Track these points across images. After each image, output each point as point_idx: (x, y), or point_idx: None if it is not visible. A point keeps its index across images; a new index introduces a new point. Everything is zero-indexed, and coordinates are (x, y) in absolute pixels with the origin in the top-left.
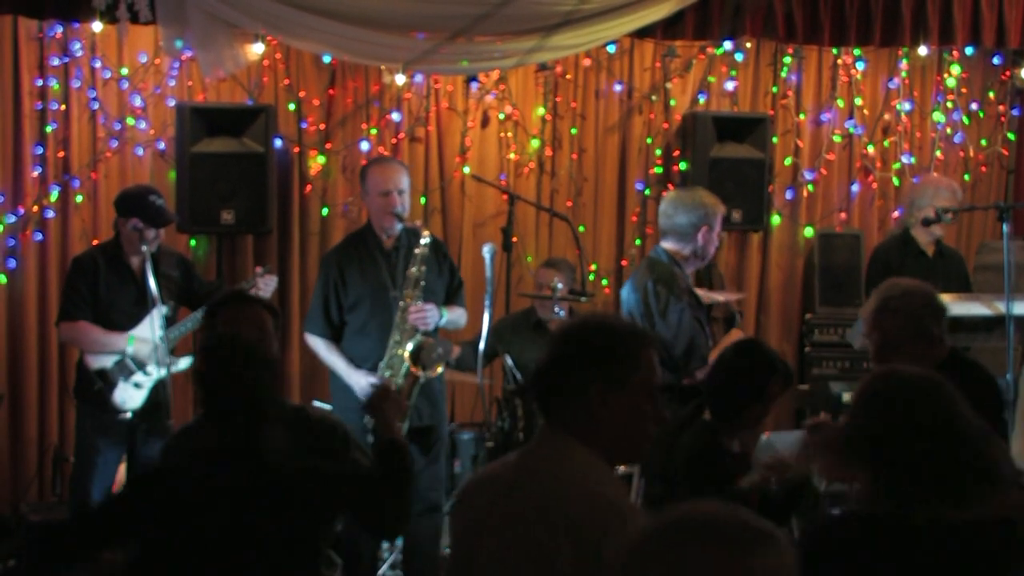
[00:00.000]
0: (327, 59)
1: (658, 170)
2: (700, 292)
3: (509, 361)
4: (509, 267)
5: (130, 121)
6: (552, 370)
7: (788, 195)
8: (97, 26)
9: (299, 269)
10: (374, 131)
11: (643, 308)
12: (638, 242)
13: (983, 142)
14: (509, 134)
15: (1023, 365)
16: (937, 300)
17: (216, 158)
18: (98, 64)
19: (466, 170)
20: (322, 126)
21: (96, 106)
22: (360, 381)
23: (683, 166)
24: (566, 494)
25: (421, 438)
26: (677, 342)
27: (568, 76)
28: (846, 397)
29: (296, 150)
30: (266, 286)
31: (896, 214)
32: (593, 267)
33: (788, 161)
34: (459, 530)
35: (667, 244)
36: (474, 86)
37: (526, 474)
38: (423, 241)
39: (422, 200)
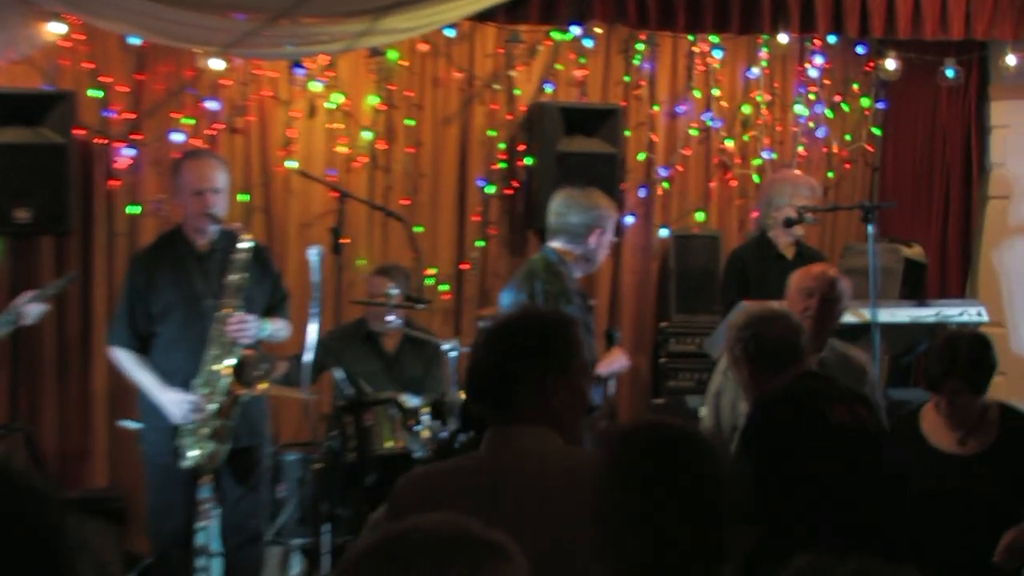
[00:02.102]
0: (135, 41)
1: (502, 165)
2: None
3: (339, 375)
4: (339, 272)
5: None
6: (508, 364)
7: (641, 193)
8: None
9: (105, 273)
10: (188, 121)
11: None
12: (480, 243)
13: (847, 137)
14: (338, 125)
15: (890, 375)
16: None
17: (9, 149)
18: None
19: (291, 164)
20: (130, 115)
21: None
22: (172, 400)
23: (528, 161)
24: (584, 471)
25: (240, 462)
26: None
27: (404, 62)
28: (703, 411)
29: (100, 141)
30: (29, 314)
31: (756, 214)
32: (431, 271)
33: (641, 156)
34: None
35: (556, 243)
36: (300, 72)
37: (520, 467)
38: (243, 245)
39: (242, 197)
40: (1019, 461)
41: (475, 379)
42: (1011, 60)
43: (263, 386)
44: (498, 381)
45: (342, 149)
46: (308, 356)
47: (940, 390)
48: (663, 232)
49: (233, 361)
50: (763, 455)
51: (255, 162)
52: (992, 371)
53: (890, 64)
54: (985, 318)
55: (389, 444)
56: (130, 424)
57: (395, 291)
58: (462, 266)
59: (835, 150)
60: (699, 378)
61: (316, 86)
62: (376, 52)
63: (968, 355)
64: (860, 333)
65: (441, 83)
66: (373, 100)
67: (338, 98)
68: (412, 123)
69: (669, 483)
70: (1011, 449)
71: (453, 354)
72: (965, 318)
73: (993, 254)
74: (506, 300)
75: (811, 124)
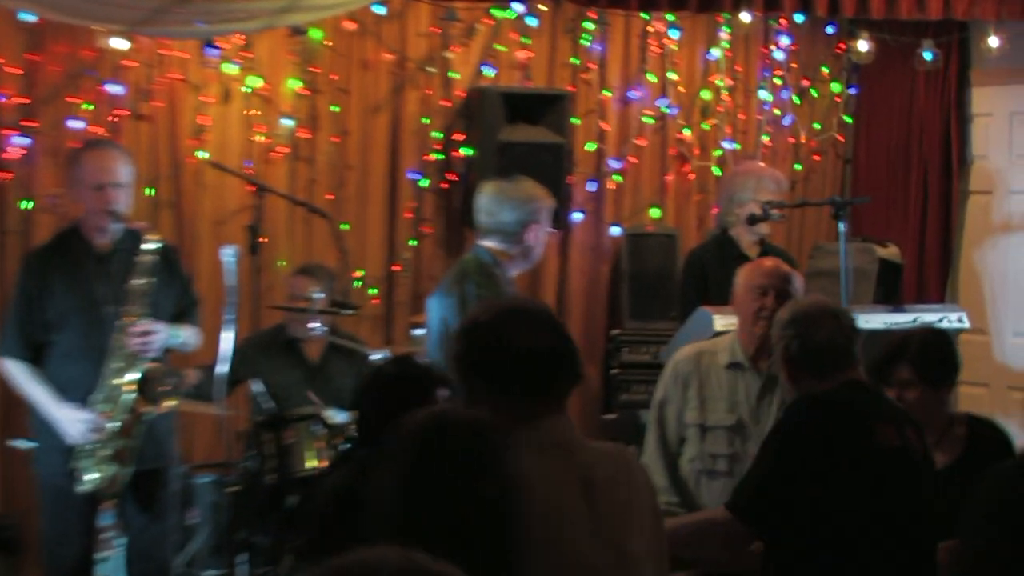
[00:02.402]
0: (28, 18)
1: (437, 156)
2: None
3: (256, 388)
4: (256, 274)
5: None
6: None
7: (591, 187)
8: None
9: None
10: (88, 107)
11: (461, 315)
12: (413, 243)
13: (816, 126)
14: (256, 112)
15: None
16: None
17: None
18: None
19: (203, 155)
20: (23, 100)
21: None
22: (68, 417)
23: (467, 151)
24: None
25: (145, 486)
26: None
27: (328, 43)
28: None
29: None
30: None
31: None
32: (359, 273)
33: (591, 146)
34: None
35: (489, 243)
36: (212, 53)
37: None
38: (149, 246)
39: (148, 192)
40: None
41: (543, 361)
42: (994, 42)
43: (171, 402)
44: (562, 364)
45: (260, 138)
46: (222, 367)
47: (888, 380)
48: (615, 230)
49: (137, 375)
50: (790, 468)
51: (163, 152)
52: (949, 367)
53: (862, 46)
54: (966, 324)
55: (312, 464)
56: (22, 444)
57: (319, 295)
58: (393, 267)
59: (803, 140)
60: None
61: (231, 68)
62: (297, 31)
63: (920, 342)
64: None
65: (370, 66)
66: (294, 84)
67: (255, 82)
68: (337, 110)
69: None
70: (978, 465)
71: None
72: (945, 324)
73: (975, 254)
74: (435, 306)
75: (777, 111)
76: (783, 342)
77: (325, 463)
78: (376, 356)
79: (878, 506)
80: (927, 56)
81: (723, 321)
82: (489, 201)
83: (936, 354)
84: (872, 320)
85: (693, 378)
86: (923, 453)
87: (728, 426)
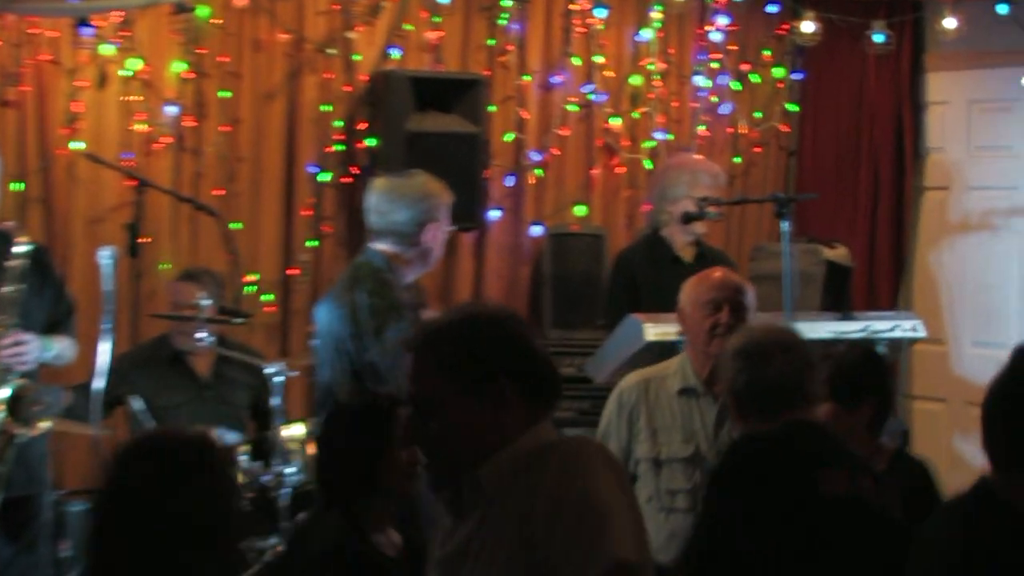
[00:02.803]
0: None
1: (338, 147)
2: None
3: (137, 405)
4: (136, 278)
5: None
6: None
7: (509, 182)
8: None
9: None
10: None
11: (352, 328)
12: (312, 243)
13: (757, 115)
14: (136, 98)
15: None
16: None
17: None
18: None
19: (76, 146)
20: None
21: None
22: None
23: (371, 142)
24: None
25: (13, 515)
26: (395, 372)
27: (216, 21)
28: None
29: None
30: None
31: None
32: (251, 278)
33: (509, 137)
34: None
35: (383, 246)
36: (87, 33)
37: None
38: (19, 249)
39: (15, 187)
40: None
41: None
42: (950, 23)
43: (44, 423)
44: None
45: (140, 127)
46: (99, 383)
47: None
48: (535, 230)
49: (7, 392)
50: (720, 519)
51: (31, 143)
52: (863, 387)
53: (807, 27)
54: (922, 333)
55: None
56: None
57: (206, 302)
58: (289, 271)
59: (743, 130)
60: (580, 407)
61: (108, 49)
62: (182, 8)
63: (837, 359)
64: None
65: (263, 47)
66: (179, 67)
67: (135, 64)
68: (227, 95)
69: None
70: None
71: (279, 379)
72: (898, 334)
73: (930, 256)
74: (324, 315)
75: (714, 99)
76: (730, 374)
77: None
78: (271, 369)
79: (816, 566)
80: (878, 38)
81: (655, 330)
82: (380, 200)
83: (850, 371)
84: (819, 329)
85: (640, 408)
86: (884, 506)
87: (684, 458)
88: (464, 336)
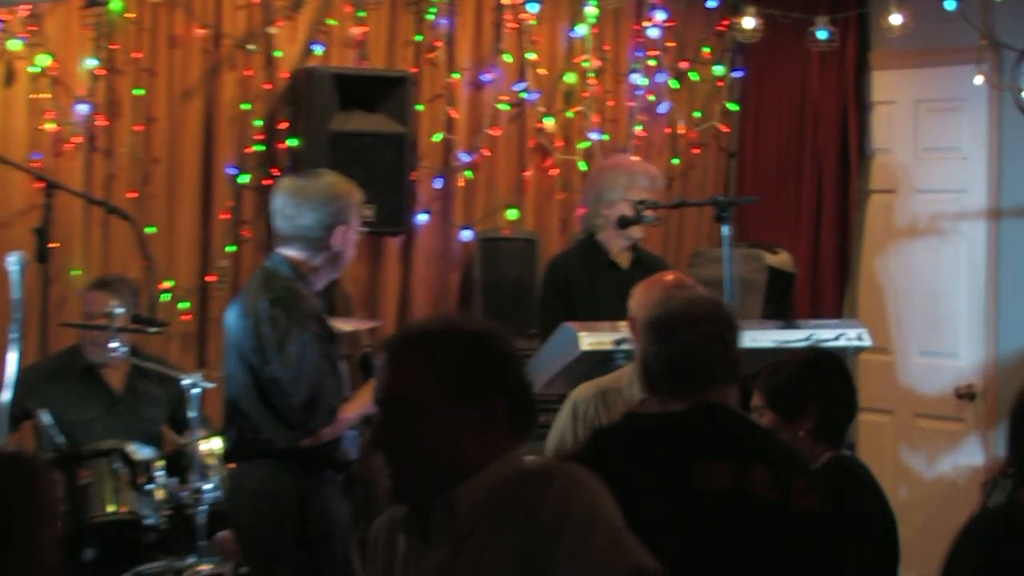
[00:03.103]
0: None
1: (258, 148)
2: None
3: (46, 419)
4: (45, 286)
5: None
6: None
7: (437, 184)
8: None
9: None
10: None
11: (254, 341)
12: (231, 249)
13: (696, 114)
14: (44, 95)
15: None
16: None
17: None
18: None
19: None
20: None
21: None
22: None
23: (293, 142)
24: None
25: None
26: (298, 387)
27: (130, 15)
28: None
29: None
30: None
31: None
32: (167, 284)
33: (437, 137)
34: None
35: (289, 252)
36: None
37: None
38: None
39: None
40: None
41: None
42: (896, 19)
43: None
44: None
45: (50, 126)
46: (5, 396)
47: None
48: (465, 234)
49: None
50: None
51: None
52: (806, 396)
53: (748, 23)
54: (867, 342)
55: (112, 508)
56: None
57: (119, 310)
58: (207, 278)
59: (681, 131)
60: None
61: (14, 44)
62: (93, 2)
63: (771, 367)
64: None
65: (179, 42)
66: (90, 64)
67: (44, 60)
68: (141, 93)
69: None
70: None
71: (196, 391)
72: (843, 343)
73: (876, 262)
74: (231, 320)
75: (651, 98)
76: (639, 347)
77: (126, 507)
78: (188, 381)
79: (685, 560)
80: (821, 35)
81: (590, 339)
82: (286, 203)
83: (785, 381)
84: (760, 338)
85: (600, 419)
86: (778, 499)
87: None
88: (462, 341)
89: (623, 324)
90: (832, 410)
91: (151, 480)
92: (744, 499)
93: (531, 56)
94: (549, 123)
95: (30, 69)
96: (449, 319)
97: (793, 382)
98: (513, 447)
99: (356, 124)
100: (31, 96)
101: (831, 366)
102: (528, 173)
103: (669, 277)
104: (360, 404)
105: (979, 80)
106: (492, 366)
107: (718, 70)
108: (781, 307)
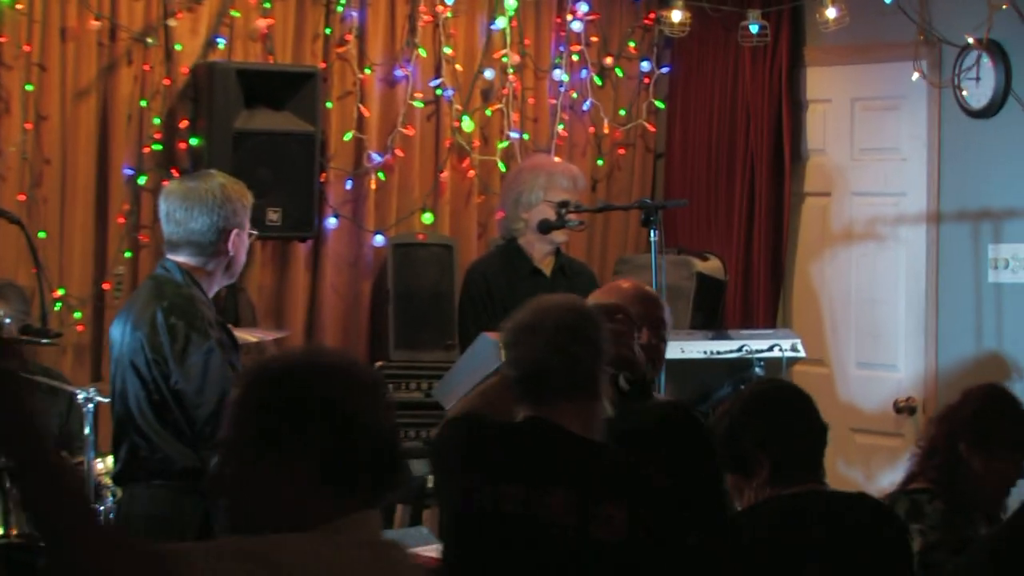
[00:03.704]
0: None
1: (157, 148)
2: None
3: None
4: None
5: None
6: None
7: (348, 186)
8: None
9: None
10: None
11: (151, 353)
12: (128, 255)
13: (622, 112)
14: None
15: None
16: None
17: None
18: None
19: None
20: None
21: None
22: None
23: (195, 142)
24: None
25: None
26: (203, 397)
27: (19, 6)
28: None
29: None
30: None
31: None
32: (59, 293)
33: (348, 136)
34: None
35: (181, 258)
36: None
37: None
38: None
39: None
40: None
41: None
42: (831, 12)
43: None
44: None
45: None
46: None
47: None
48: (378, 240)
49: None
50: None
51: None
52: (749, 447)
53: (676, 16)
54: (802, 353)
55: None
56: None
57: (7, 320)
58: (103, 286)
59: (606, 130)
60: (428, 436)
61: None
62: None
63: (719, 416)
64: None
65: (72, 35)
66: None
67: None
68: (32, 89)
69: None
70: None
71: (90, 406)
72: (776, 353)
73: (811, 268)
74: (120, 333)
75: (574, 95)
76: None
77: (14, 531)
78: (82, 395)
79: None
80: (753, 29)
81: None
82: (174, 205)
83: (730, 437)
84: (689, 348)
85: None
86: (575, 525)
87: None
88: (271, 381)
89: None
90: (786, 450)
91: None
92: (535, 524)
93: (447, 51)
94: (467, 123)
95: None
96: (306, 354)
97: (730, 437)
98: (345, 512)
99: (261, 122)
100: None
101: (770, 402)
102: (444, 175)
103: (626, 284)
104: None
105: (917, 77)
106: (296, 414)
107: (644, 66)
108: (711, 316)
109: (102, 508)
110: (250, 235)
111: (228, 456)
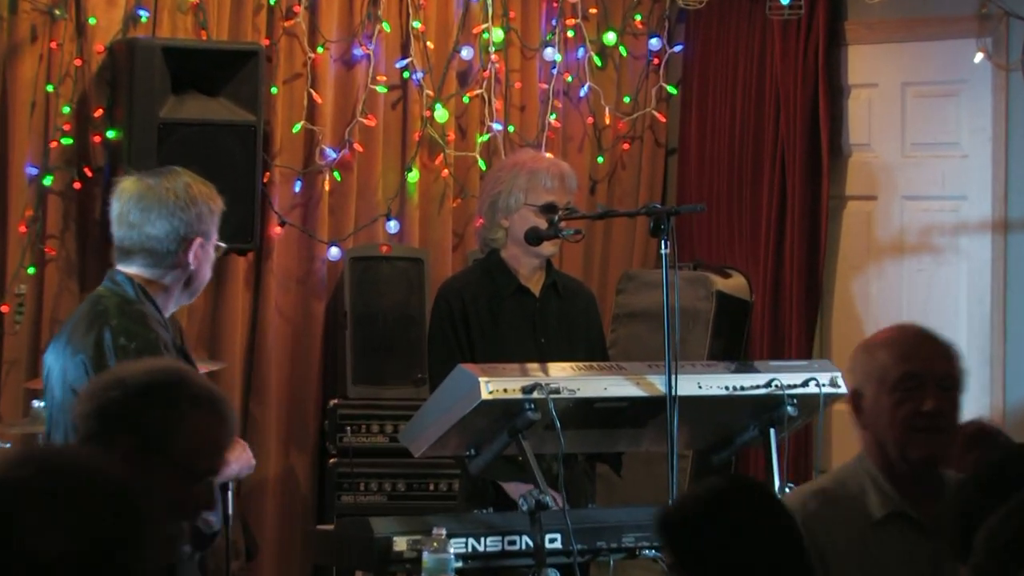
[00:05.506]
0: None
1: (66, 142)
2: None
3: None
4: None
5: None
6: None
7: (297, 187)
8: None
9: None
10: None
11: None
12: (31, 270)
13: (626, 99)
14: None
15: (693, 476)
16: None
17: None
18: None
19: None
20: None
21: None
22: None
23: (112, 134)
24: None
25: None
26: None
27: None
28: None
29: None
30: None
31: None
32: None
33: (297, 128)
34: None
35: (132, 269)
36: None
37: None
38: None
39: None
40: None
41: None
42: None
43: None
44: None
45: None
46: None
47: None
48: (333, 252)
49: None
50: None
51: None
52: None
53: None
54: (842, 389)
55: None
56: None
57: None
58: (1, 308)
59: (607, 121)
60: (392, 488)
61: None
62: None
63: None
64: (648, 414)
65: None
66: None
67: None
68: None
69: None
70: None
71: None
72: (812, 389)
73: (855, 287)
74: (56, 359)
75: (569, 78)
76: None
77: None
78: None
79: None
80: (783, 1)
81: (493, 385)
82: (129, 208)
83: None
84: (708, 383)
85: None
86: None
87: None
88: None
89: (534, 366)
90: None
91: None
92: None
93: (416, 25)
94: (439, 111)
95: None
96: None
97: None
98: None
99: (192, 111)
100: None
101: (739, 520)
102: (413, 174)
103: (914, 330)
104: (235, 459)
105: (980, 58)
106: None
107: (653, 44)
108: (733, 344)
109: None
110: (217, 247)
111: None
